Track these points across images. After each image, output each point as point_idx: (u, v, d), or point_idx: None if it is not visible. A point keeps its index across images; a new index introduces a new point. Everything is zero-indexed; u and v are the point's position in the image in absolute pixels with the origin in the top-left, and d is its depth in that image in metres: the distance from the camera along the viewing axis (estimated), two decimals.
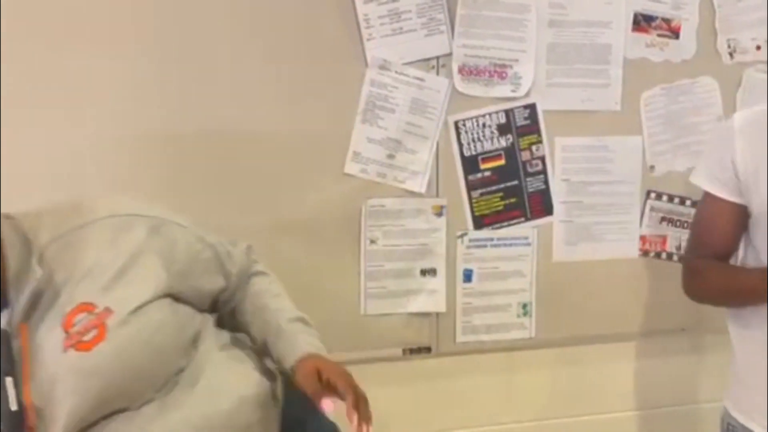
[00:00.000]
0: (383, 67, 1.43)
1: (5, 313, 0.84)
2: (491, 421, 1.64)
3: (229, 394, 0.96)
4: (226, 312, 1.10)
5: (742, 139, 1.18)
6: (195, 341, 0.98)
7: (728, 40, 1.58)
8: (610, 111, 1.56)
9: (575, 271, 1.59)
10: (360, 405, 0.93)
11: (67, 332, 0.86)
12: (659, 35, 1.56)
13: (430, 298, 1.53)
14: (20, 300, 0.85)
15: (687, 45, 1.56)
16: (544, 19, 1.50)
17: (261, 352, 1.07)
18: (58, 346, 0.85)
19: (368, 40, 1.41)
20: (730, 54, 1.59)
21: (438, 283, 1.53)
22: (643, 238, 1.62)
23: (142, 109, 1.33)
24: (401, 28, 1.43)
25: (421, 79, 1.45)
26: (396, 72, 1.44)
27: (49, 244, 0.88)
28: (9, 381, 0.83)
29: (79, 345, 0.85)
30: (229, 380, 0.98)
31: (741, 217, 1.21)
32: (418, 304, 1.53)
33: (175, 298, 0.96)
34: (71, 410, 0.85)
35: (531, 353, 1.63)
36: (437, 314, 1.54)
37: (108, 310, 0.87)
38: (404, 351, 1.54)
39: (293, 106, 1.40)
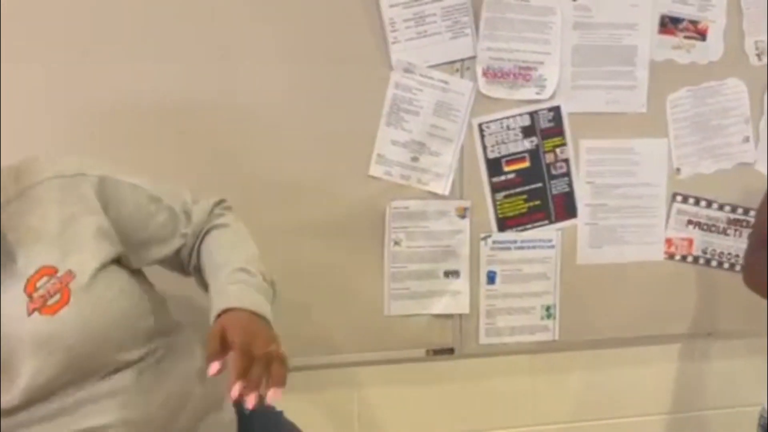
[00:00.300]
0: (408, 70, 1.44)
1: None
2: (514, 423, 1.65)
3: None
4: (192, 271, 1.04)
5: None
6: (162, 306, 0.97)
7: (756, 42, 1.57)
8: (635, 113, 1.56)
9: (599, 274, 1.59)
10: (244, 365, 0.77)
11: (30, 296, 0.83)
12: (686, 37, 1.55)
13: (454, 299, 1.54)
14: None
15: (714, 47, 1.55)
16: (569, 22, 1.50)
17: None
18: (22, 310, 0.82)
19: (393, 43, 1.42)
20: (758, 56, 1.57)
21: (461, 284, 1.54)
22: (668, 241, 1.61)
23: (170, 113, 1.35)
24: (426, 32, 1.43)
25: (446, 82, 1.46)
26: (420, 75, 1.45)
27: None
28: None
29: (44, 309, 0.83)
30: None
31: None
32: (442, 305, 1.53)
33: (125, 261, 0.94)
34: (33, 374, 0.82)
35: (554, 356, 1.63)
36: (460, 316, 1.55)
37: (70, 273, 0.85)
38: (427, 352, 1.55)
39: (319, 109, 1.42)
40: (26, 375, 0.82)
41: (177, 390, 0.95)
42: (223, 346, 0.81)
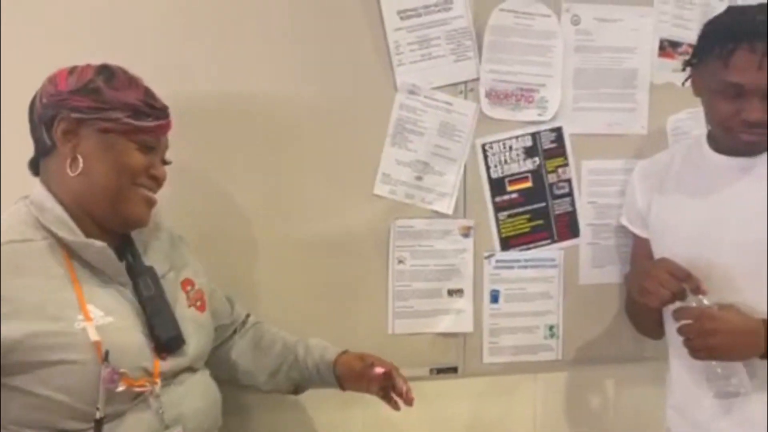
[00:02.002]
0: (412, 91, 1.47)
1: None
2: None
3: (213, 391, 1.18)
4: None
5: (640, 184, 1.44)
6: None
7: None
8: (636, 135, 1.58)
9: (602, 293, 1.60)
10: (400, 375, 1.21)
11: (187, 295, 1.15)
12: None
13: (458, 318, 1.55)
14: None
15: None
16: (570, 45, 1.53)
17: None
18: (184, 301, 1.14)
19: (398, 65, 1.45)
20: None
21: (465, 303, 1.55)
22: None
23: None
24: (430, 54, 1.47)
25: (450, 104, 1.49)
26: (425, 96, 1.47)
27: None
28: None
29: (199, 307, 1.16)
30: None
31: (651, 249, 1.40)
32: (446, 324, 1.54)
33: None
34: (196, 346, 1.12)
35: (558, 375, 1.63)
36: (464, 335, 1.56)
37: (201, 290, 1.19)
38: (431, 371, 1.55)
39: (325, 129, 1.44)
40: (192, 346, 1.10)
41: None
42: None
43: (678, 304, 1.20)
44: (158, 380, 1.02)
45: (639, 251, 1.49)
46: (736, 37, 1.16)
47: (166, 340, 1.05)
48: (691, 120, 1.58)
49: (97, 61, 1.07)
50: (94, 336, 0.96)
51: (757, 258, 1.20)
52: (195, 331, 1.12)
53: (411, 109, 1.47)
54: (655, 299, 1.21)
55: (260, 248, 1.44)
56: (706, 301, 1.17)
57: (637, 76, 1.57)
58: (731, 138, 1.23)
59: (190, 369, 1.10)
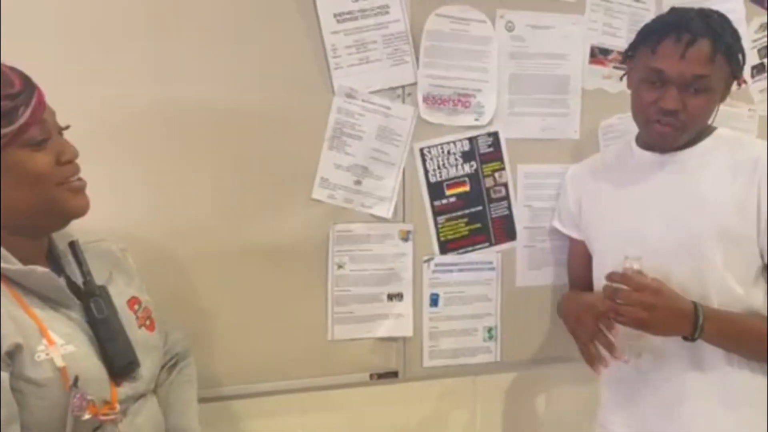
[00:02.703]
0: (350, 95, 1.46)
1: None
2: None
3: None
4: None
5: (572, 187, 1.50)
6: None
7: None
8: (569, 139, 1.62)
9: (539, 295, 1.63)
10: None
11: (135, 314, 1.08)
12: (615, 67, 1.63)
13: (397, 322, 1.54)
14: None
15: None
16: (505, 51, 1.56)
17: None
18: (133, 322, 1.07)
19: (336, 68, 1.44)
20: None
21: (405, 307, 1.54)
22: None
23: (105, 136, 1.33)
24: (368, 58, 1.46)
25: (388, 107, 1.49)
26: (363, 100, 1.47)
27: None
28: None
29: (148, 327, 1.09)
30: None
31: (586, 249, 1.46)
32: (385, 328, 1.54)
33: None
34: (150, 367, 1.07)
35: (496, 377, 1.65)
36: (404, 339, 1.56)
37: (148, 308, 1.12)
38: (371, 376, 1.54)
39: (262, 133, 1.42)
40: (146, 368, 1.05)
41: None
42: None
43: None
44: (117, 408, 0.97)
45: (574, 253, 1.54)
46: (666, 27, 1.23)
47: (121, 366, 0.99)
48: (621, 125, 1.63)
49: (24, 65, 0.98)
50: (60, 362, 0.91)
51: (678, 248, 1.26)
52: (148, 353, 1.06)
53: (349, 113, 1.46)
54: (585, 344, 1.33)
55: (196, 255, 1.40)
56: (636, 266, 1.20)
57: (570, 82, 1.61)
58: (648, 129, 1.29)
59: (143, 395, 1.06)
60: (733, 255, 1.23)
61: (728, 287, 1.23)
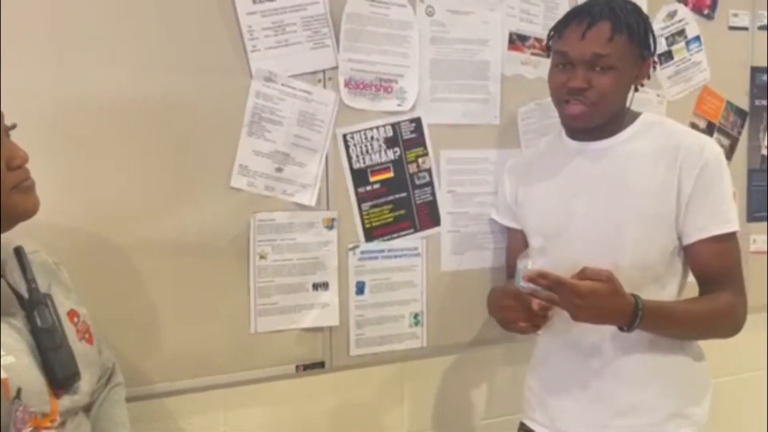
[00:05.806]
0: (269, 79, 1.41)
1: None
2: None
3: None
4: None
5: (509, 178, 1.51)
6: None
7: None
8: (489, 125, 1.64)
9: (463, 279, 1.64)
10: None
11: (75, 326, 1.05)
12: (533, 54, 1.66)
13: (323, 312, 1.52)
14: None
15: None
16: (426, 36, 1.55)
17: None
18: (74, 334, 1.03)
19: (252, 51, 1.39)
20: None
21: (330, 296, 1.52)
22: None
23: None
24: (287, 41, 1.42)
25: (308, 92, 1.45)
26: (282, 84, 1.43)
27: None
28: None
29: (88, 340, 1.06)
30: None
31: (523, 238, 1.47)
32: (311, 318, 1.51)
33: None
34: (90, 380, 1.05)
35: (423, 362, 1.65)
36: (330, 328, 1.53)
37: (86, 321, 1.09)
38: (297, 368, 1.51)
39: (176, 119, 1.35)
40: (85, 381, 1.02)
41: None
42: None
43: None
44: (57, 420, 0.95)
45: (512, 243, 1.55)
46: (572, 14, 1.30)
47: (64, 377, 0.97)
48: (538, 111, 1.67)
49: None
50: (2, 373, 0.89)
51: (600, 236, 1.29)
52: (87, 366, 1.04)
53: (268, 98, 1.42)
54: (516, 327, 1.29)
55: (113, 250, 1.33)
56: (530, 265, 1.21)
57: (490, 68, 1.62)
58: (561, 111, 1.33)
59: (82, 408, 1.03)
60: (651, 237, 1.27)
61: (641, 278, 1.26)
